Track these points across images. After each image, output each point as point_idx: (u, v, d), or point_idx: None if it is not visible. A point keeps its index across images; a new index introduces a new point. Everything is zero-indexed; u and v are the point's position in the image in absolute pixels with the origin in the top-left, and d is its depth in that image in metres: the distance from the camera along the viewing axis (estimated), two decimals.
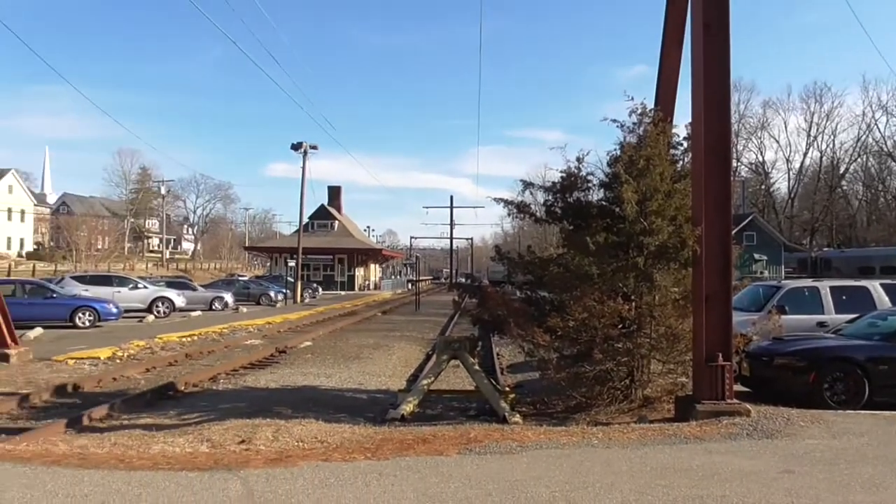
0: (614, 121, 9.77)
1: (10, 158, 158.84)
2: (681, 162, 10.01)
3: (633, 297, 9.28)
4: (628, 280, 9.17)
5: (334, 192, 75.06)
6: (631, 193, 8.80)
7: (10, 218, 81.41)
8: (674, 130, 10.08)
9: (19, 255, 73.06)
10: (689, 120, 9.10)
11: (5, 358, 13.88)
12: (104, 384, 12.33)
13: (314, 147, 45.24)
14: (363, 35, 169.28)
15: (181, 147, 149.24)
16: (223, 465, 5.19)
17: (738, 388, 8.68)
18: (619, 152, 9.55)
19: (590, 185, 9.97)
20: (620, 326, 9.03)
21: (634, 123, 9.66)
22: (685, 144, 9.95)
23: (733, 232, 8.63)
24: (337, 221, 69.62)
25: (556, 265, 9.76)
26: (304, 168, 44.58)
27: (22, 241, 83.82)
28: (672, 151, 9.93)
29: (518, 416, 8.90)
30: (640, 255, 9.05)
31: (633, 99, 9.65)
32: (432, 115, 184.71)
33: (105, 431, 8.38)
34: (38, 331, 19.33)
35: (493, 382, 10.55)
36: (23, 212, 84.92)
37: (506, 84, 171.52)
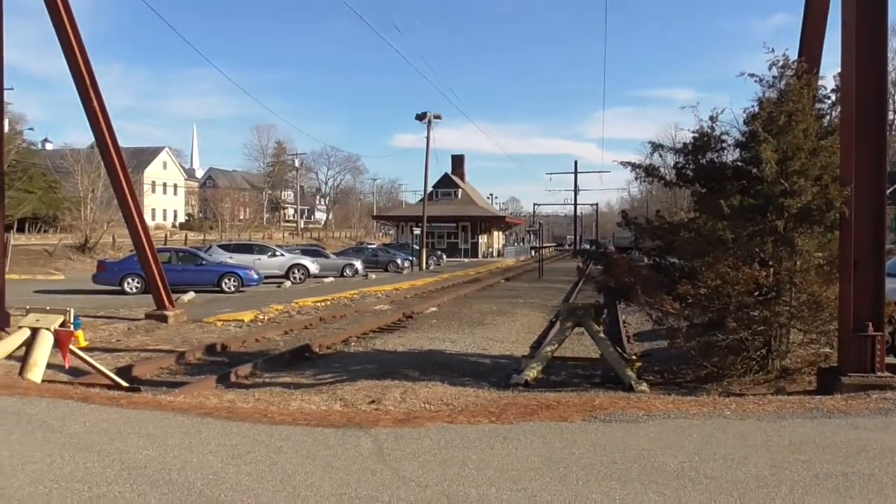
0: (752, 75, 9.11)
1: (163, 137, 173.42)
2: (827, 117, 9.20)
3: (771, 263, 8.73)
4: (766, 245, 8.62)
5: (458, 161, 75.63)
6: (770, 152, 8.22)
7: (164, 192, 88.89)
8: (820, 82, 9.26)
9: (173, 226, 79.69)
10: (838, 70, 8.31)
11: (164, 319, 15.26)
12: (248, 344, 13.29)
13: (438, 117, 45.69)
14: (483, 1, 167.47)
15: (313, 121, 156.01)
16: (355, 423, 5.46)
17: (890, 359, 7.99)
18: (757, 109, 8.91)
19: (724, 145, 9.40)
20: (757, 294, 8.54)
21: (775, 77, 8.96)
22: (833, 97, 9.11)
23: (888, 191, 7.85)
24: (460, 190, 70.23)
25: (687, 230, 9.33)
26: (428, 138, 45.21)
27: (175, 212, 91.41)
28: (818, 105, 9.14)
29: (645, 384, 8.69)
30: (780, 219, 8.46)
31: (773, 51, 8.94)
32: (555, 80, 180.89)
33: (249, 388, 9.06)
34: (191, 294, 21.05)
35: (619, 350, 10.35)
36: (175, 186, 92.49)
37: (632, 43, 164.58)
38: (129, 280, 22.62)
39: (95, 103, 14.09)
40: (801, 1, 9.79)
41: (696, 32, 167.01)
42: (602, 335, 9.67)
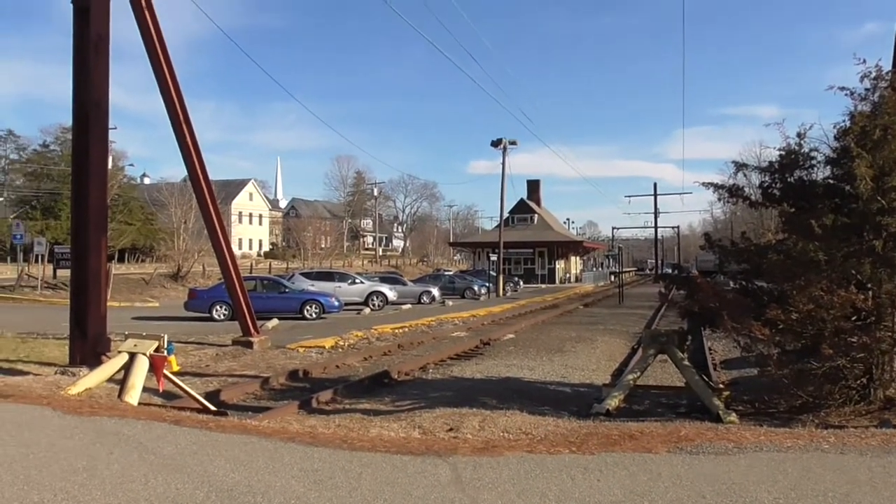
0: (842, 88, 8.70)
1: (249, 169, 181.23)
2: None
3: (869, 286, 8.23)
4: (863, 266, 8.14)
5: (533, 186, 75.35)
6: (865, 168, 7.79)
7: (250, 222, 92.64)
8: None
9: (258, 255, 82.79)
10: None
11: (249, 345, 15.78)
12: (328, 371, 13.56)
13: (513, 142, 45.80)
14: (555, 23, 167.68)
15: (390, 149, 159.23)
16: (433, 451, 5.46)
17: None
18: (848, 123, 8.49)
19: (813, 162, 8.98)
20: (854, 318, 8.05)
21: (867, 89, 8.52)
22: None
23: None
24: (536, 215, 69.85)
25: (776, 252, 8.92)
26: (503, 164, 45.34)
27: (260, 241, 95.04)
28: None
29: (734, 414, 8.31)
30: (878, 238, 7.98)
31: (864, 62, 8.51)
32: (631, 100, 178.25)
33: (330, 414, 9.22)
34: (275, 321, 21.70)
35: (705, 379, 9.95)
36: (260, 216, 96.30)
37: (711, 60, 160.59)
38: (218, 307, 23.54)
39: (188, 139, 14.89)
40: (894, 7, 9.31)
41: (780, 45, 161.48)
42: (686, 363, 9.33)
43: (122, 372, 8.56)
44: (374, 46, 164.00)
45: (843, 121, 8.60)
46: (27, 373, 10.92)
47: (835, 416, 8.07)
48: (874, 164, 7.90)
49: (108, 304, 14.07)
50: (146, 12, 13.76)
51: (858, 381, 8.34)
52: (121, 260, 50.64)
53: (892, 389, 8.40)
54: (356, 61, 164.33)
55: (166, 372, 8.72)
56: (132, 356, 8.53)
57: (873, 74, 8.48)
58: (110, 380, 8.99)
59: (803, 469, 4.86)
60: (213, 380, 12.09)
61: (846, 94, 8.66)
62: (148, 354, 8.52)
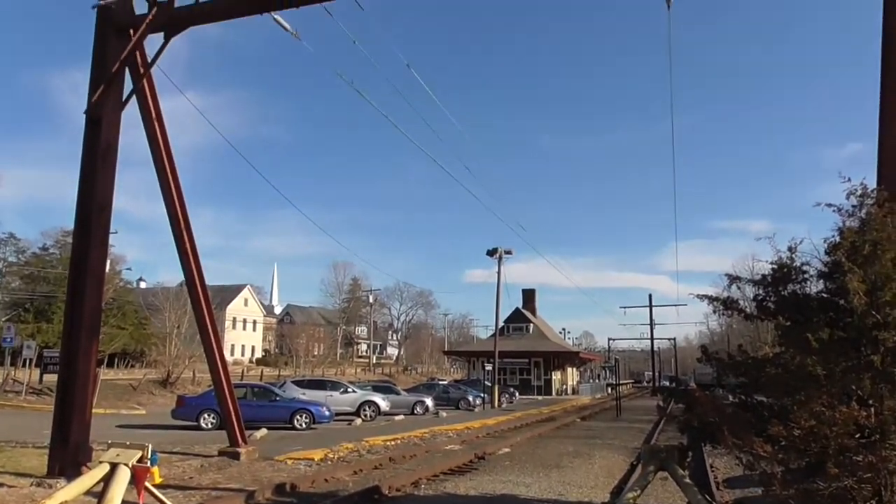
0: (829, 205, 8.94)
1: (246, 275, 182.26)
2: None
3: (871, 402, 8.09)
4: (863, 381, 8.03)
5: (528, 295, 75.65)
6: (857, 283, 7.87)
7: (244, 328, 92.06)
8: None
9: (250, 362, 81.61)
10: None
11: (236, 456, 15.26)
12: (317, 484, 13.02)
13: (508, 252, 46.42)
14: (552, 139, 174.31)
15: (387, 256, 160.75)
16: None
17: None
18: (838, 239, 8.65)
19: (806, 275, 9.08)
20: (858, 435, 7.85)
21: (854, 206, 8.76)
22: None
23: None
24: (532, 324, 69.68)
25: (774, 366, 8.83)
26: (499, 273, 45.74)
27: (253, 348, 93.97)
28: None
29: None
30: (876, 353, 7.93)
31: (849, 180, 8.80)
32: (624, 213, 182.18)
33: None
34: (263, 431, 21.10)
35: (708, 498, 9.59)
36: (254, 322, 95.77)
37: (702, 176, 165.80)
38: (206, 415, 22.98)
39: (188, 244, 15.07)
40: (875, 129, 9.75)
41: (767, 163, 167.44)
42: (688, 480, 9.01)
43: (102, 484, 8.20)
44: (373, 157, 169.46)
45: (833, 236, 8.77)
46: (1, 484, 10.46)
47: None
48: (866, 279, 7.98)
49: (94, 410, 13.72)
50: (156, 123, 14.30)
51: (868, 503, 8.03)
52: (110, 365, 49.78)
53: None
54: (355, 171, 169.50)
55: (148, 484, 8.36)
56: (113, 467, 8.21)
57: (859, 192, 8.74)
58: (88, 492, 8.59)
59: None
60: (196, 493, 11.59)
61: (834, 211, 8.89)
62: (130, 465, 8.20)
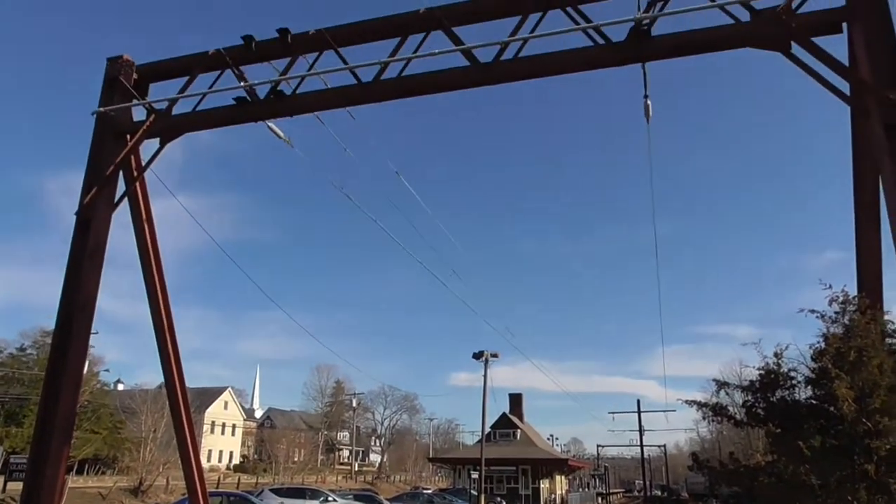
0: (813, 311, 9.08)
1: (228, 377, 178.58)
2: None
3: None
4: (859, 493, 7.87)
5: (515, 400, 74.29)
6: (845, 389, 7.86)
7: (223, 432, 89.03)
8: (886, 317, 9.10)
9: (227, 468, 78.35)
10: None
11: None
12: None
13: (495, 355, 45.96)
14: (539, 246, 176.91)
15: (372, 359, 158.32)
16: None
17: None
18: (823, 345, 8.72)
19: (794, 382, 9.07)
20: None
21: (837, 312, 8.89)
22: None
23: None
24: (519, 430, 68.05)
25: (767, 475, 8.66)
26: (485, 376, 45.09)
27: (231, 453, 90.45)
28: (889, 340, 8.88)
29: None
30: (870, 462, 7.81)
31: (830, 287, 8.99)
32: (612, 318, 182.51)
33: None
34: None
35: None
36: (234, 426, 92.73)
37: (687, 282, 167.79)
38: None
39: (170, 347, 14.81)
40: (852, 239, 10.01)
41: (750, 269, 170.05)
42: None
43: None
44: (361, 261, 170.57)
45: (818, 342, 8.85)
46: None
47: None
48: (854, 386, 7.98)
49: None
50: (145, 225, 14.40)
51: None
52: (80, 471, 47.56)
53: None
54: (342, 274, 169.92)
55: None
56: None
57: (841, 298, 8.90)
58: None
59: None
60: None
61: (817, 317, 9.01)
62: None
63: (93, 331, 13.93)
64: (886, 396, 7.97)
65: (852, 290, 9.31)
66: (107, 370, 65.03)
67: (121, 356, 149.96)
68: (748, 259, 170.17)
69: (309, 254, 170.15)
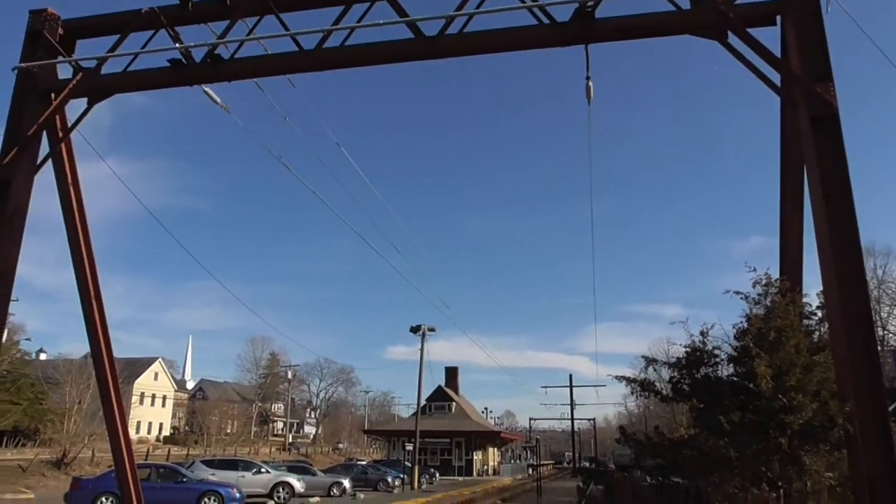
0: (737, 292, 9.47)
1: (158, 348, 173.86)
2: (817, 332, 9.39)
3: (780, 484, 8.35)
4: (772, 464, 8.32)
5: (451, 373, 75.16)
6: (764, 368, 8.26)
7: (152, 403, 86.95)
8: (805, 300, 9.57)
9: (157, 440, 76.73)
10: (821, 288, 8.63)
11: None
12: None
13: (432, 329, 46.29)
14: (476, 221, 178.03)
15: (308, 331, 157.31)
16: None
17: None
18: (746, 325, 9.12)
19: (717, 360, 9.48)
20: None
21: (760, 294, 9.31)
22: (819, 314, 9.38)
23: (890, 408, 7.73)
24: (454, 403, 68.96)
25: (689, 448, 9.05)
26: (422, 350, 45.41)
27: (161, 425, 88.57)
28: (805, 321, 9.37)
29: None
30: (783, 436, 8.26)
31: (754, 270, 9.39)
32: (546, 295, 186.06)
33: None
34: None
35: None
36: (164, 397, 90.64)
37: (619, 261, 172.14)
38: (103, 499, 21.36)
39: (97, 315, 14.29)
40: (776, 225, 10.43)
41: (679, 253, 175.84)
42: None
43: None
44: (297, 233, 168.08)
45: (741, 322, 9.26)
46: None
47: None
48: (772, 364, 8.39)
49: None
50: (71, 188, 13.76)
51: None
52: None
53: None
54: (278, 246, 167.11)
55: None
56: None
57: (764, 281, 9.31)
58: None
59: None
60: None
61: (741, 298, 9.42)
62: None
63: (12, 298, 13.31)
64: (801, 374, 8.42)
65: (775, 274, 9.75)
66: (28, 339, 62.41)
67: (44, 325, 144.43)
68: (680, 242, 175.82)
69: (244, 224, 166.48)
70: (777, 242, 10.55)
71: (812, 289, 9.74)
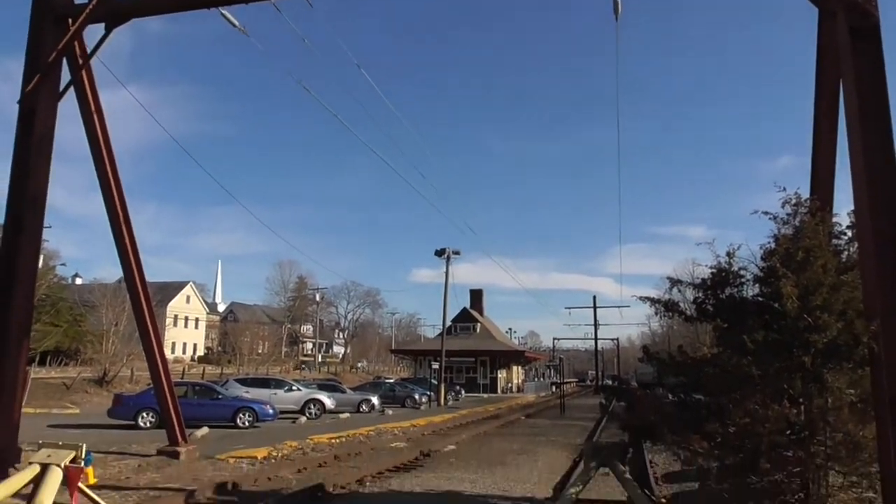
0: (766, 213, 9.29)
1: (188, 272, 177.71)
2: (846, 252, 9.26)
3: (801, 401, 8.45)
4: (794, 381, 8.39)
5: (476, 296, 76.19)
6: (790, 288, 8.20)
7: (186, 325, 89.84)
8: (834, 219, 9.41)
9: (192, 360, 79.70)
10: (851, 207, 8.47)
11: (176, 455, 14.89)
12: (260, 483, 12.83)
13: (456, 252, 46.68)
14: (501, 143, 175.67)
15: (334, 255, 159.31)
16: None
17: None
18: (773, 245, 9.01)
19: (743, 280, 9.42)
20: (789, 433, 8.19)
21: (788, 214, 9.13)
22: (849, 234, 9.22)
23: None
24: (479, 324, 70.19)
25: (711, 366, 9.13)
26: (447, 273, 45.94)
27: (195, 346, 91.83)
28: (834, 241, 9.22)
29: None
30: (807, 355, 8.28)
31: (784, 189, 9.17)
32: (571, 216, 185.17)
33: None
34: (205, 430, 20.66)
35: (647, 493, 9.84)
36: (197, 320, 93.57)
37: (645, 182, 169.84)
38: (144, 414, 22.38)
39: (127, 241, 14.62)
40: (808, 144, 10.17)
41: (706, 174, 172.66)
42: (628, 476, 9.23)
43: (31, 486, 7.89)
44: (321, 156, 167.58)
45: (769, 242, 9.13)
46: None
47: None
48: (799, 284, 8.32)
49: (24, 410, 13.18)
50: (94, 116, 13.82)
51: (797, 497, 8.37)
52: (42, 363, 47.78)
53: None
54: (302, 169, 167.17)
55: (81, 485, 8.08)
56: (44, 468, 7.90)
57: (794, 201, 9.11)
58: (17, 495, 8.24)
59: None
60: (133, 493, 11.27)
61: (770, 218, 9.24)
62: (62, 466, 7.92)
63: (46, 225, 13.62)
64: (828, 294, 8.36)
65: (805, 194, 9.55)
66: (63, 264, 64.09)
67: (78, 252, 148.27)
68: (708, 162, 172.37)
69: (266, 148, 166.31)
70: (808, 162, 10.31)
71: (843, 208, 9.58)
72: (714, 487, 8.67)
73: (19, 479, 8.13)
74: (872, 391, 7.77)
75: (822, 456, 8.23)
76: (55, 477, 7.82)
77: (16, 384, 11.99)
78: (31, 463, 8.14)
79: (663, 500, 9.98)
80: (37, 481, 7.82)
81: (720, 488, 8.58)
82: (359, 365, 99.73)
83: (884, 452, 7.32)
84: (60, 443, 8.34)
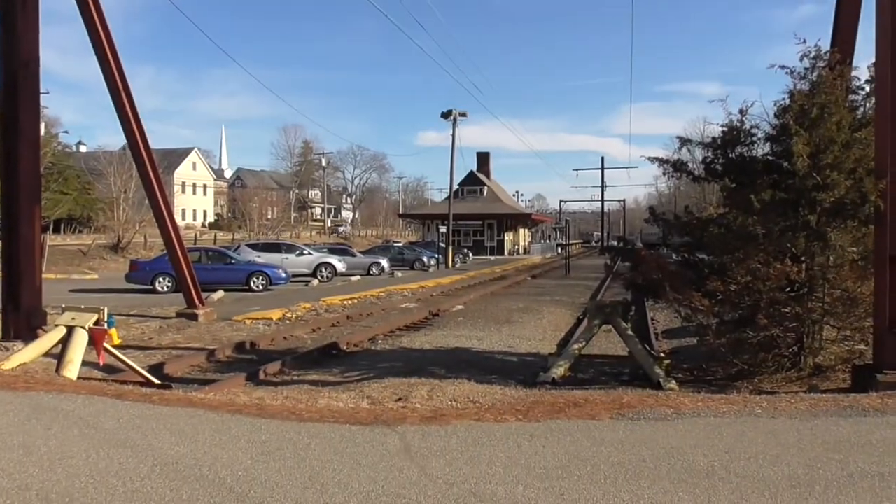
0: (782, 67, 8.93)
1: (192, 138, 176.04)
2: (861, 108, 8.99)
3: (803, 259, 8.57)
4: (798, 240, 8.47)
5: (483, 158, 75.47)
6: (802, 146, 8.06)
7: (194, 192, 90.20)
8: (854, 73, 9.06)
9: (203, 226, 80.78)
10: (872, 60, 8.12)
11: (194, 317, 15.48)
12: (276, 342, 13.43)
13: (463, 114, 45.67)
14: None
15: (339, 119, 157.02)
16: (382, 421, 5.49)
17: None
18: (788, 101, 8.74)
19: (754, 138, 9.24)
20: (788, 290, 8.39)
21: (806, 69, 8.78)
22: (867, 88, 8.90)
23: None
24: (486, 187, 70.08)
25: (717, 226, 9.19)
26: (453, 135, 45.23)
27: (205, 212, 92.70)
28: (851, 97, 8.94)
29: (673, 382, 8.60)
30: (813, 213, 8.30)
31: (804, 41, 8.75)
32: (578, 75, 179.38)
33: (278, 385, 9.17)
34: (220, 293, 21.32)
35: (647, 348, 10.25)
36: (205, 186, 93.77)
37: (657, 37, 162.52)
38: (161, 279, 22.99)
39: (127, 106, 14.34)
40: None
41: (718, 25, 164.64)
42: (630, 332, 9.58)
43: (60, 346, 8.29)
44: (323, 14, 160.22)
45: (783, 99, 8.86)
46: None
47: (768, 383, 8.44)
48: (811, 142, 8.17)
49: (44, 276, 13.58)
50: None
51: (790, 350, 8.73)
52: (56, 230, 48.58)
53: (820, 357, 8.82)
54: (303, 29, 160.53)
55: (107, 345, 8.49)
56: (70, 330, 8.27)
57: (812, 54, 8.73)
58: (47, 354, 8.70)
59: (737, 433, 5.07)
60: (157, 353, 11.84)
61: (786, 73, 8.90)
62: (87, 328, 8.27)
63: (43, 90, 13.32)
64: (839, 152, 8.23)
65: (825, 47, 9.13)
66: (66, 132, 63.53)
67: (79, 118, 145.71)
68: (722, 12, 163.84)
69: (266, 7, 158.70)
70: (831, 10, 9.76)
71: (864, 61, 9.18)
72: (712, 342, 9.02)
73: (48, 340, 8.56)
74: (874, 249, 7.84)
75: (819, 311, 8.48)
76: (81, 338, 8.20)
77: (33, 249, 12.26)
78: (56, 325, 8.51)
79: (662, 355, 10.41)
80: (64, 342, 8.22)
81: (718, 343, 8.93)
82: (371, 231, 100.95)
83: (879, 307, 7.52)
84: (83, 306, 8.67)
